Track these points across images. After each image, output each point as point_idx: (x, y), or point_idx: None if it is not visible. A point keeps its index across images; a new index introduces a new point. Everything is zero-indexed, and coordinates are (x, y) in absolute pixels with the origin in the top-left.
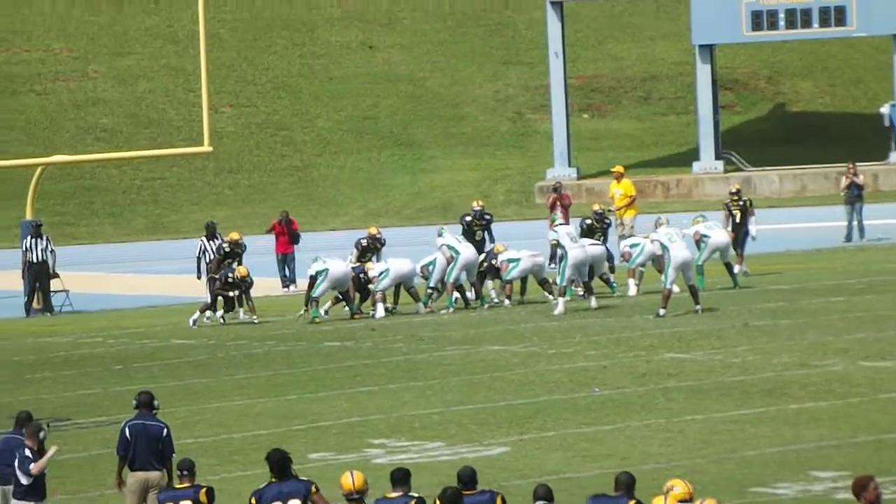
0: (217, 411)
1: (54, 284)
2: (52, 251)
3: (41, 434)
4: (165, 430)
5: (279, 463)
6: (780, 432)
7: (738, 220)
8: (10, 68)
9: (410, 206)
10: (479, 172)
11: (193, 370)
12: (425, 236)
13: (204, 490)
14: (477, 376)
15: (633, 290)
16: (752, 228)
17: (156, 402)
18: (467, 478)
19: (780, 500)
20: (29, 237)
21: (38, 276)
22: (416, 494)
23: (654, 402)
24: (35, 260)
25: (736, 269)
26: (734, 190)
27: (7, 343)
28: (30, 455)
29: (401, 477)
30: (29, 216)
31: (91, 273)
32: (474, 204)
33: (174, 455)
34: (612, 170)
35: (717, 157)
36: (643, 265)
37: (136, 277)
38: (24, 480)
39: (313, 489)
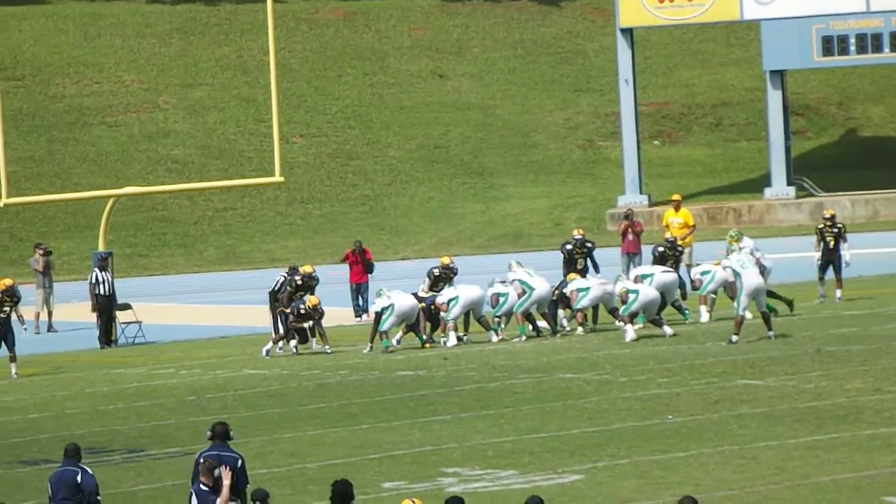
0: (290, 441)
1: (127, 316)
2: (112, 284)
3: (216, 472)
4: (240, 461)
5: (340, 496)
6: (854, 458)
7: (831, 246)
8: (81, 100)
9: (482, 234)
10: (550, 200)
11: (266, 400)
12: (497, 265)
13: None
14: (550, 404)
15: (705, 317)
16: (847, 254)
17: (231, 433)
18: None
19: None
20: (97, 269)
21: (108, 309)
22: None
23: (728, 429)
24: (103, 293)
25: (837, 294)
26: (828, 216)
27: (81, 375)
28: (206, 491)
29: None
30: (101, 248)
31: (163, 304)
32: (575, 232)
33: (248, 485)
34: (672, 198)
35: (789, 183)
36: (714, 292)
37: (207, 308)
38: None
39: None
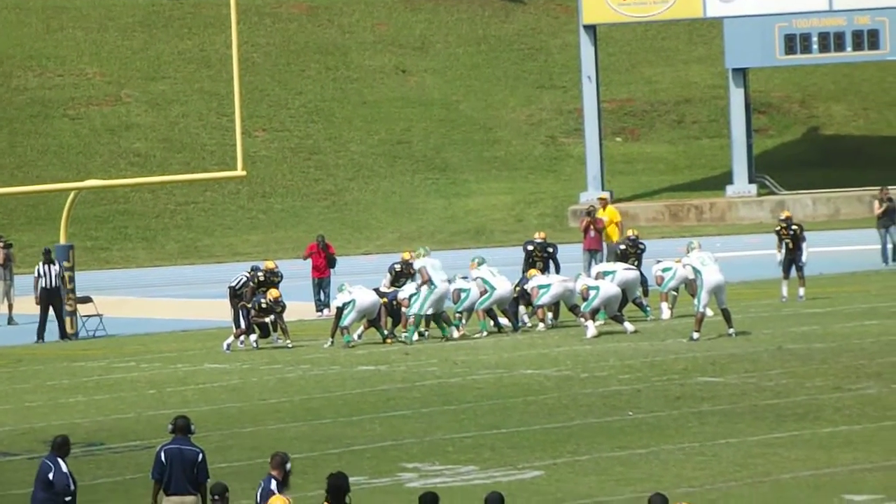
0: (251, 435)
1: (88, 309)
2: (62, 277)
3: (287, 465)
4: (201, 455)
5: (337, 489)
6: (814, 456)
7: (790, 247)
8: (43, 93)
9: (444, 230)
10: (512, 196)
11: (227, 394)
12: (459, 260)
13: None
14: (510, 400)
15: (666, 314)
16: (804, 253)
17: (192, 427)
18: (494, 502)
19: None
20: (41, 263)
21: (52, 302)
22: None
23: (688, 426)
24: (47, 286)
25: (800, 291)
26: (783, 217)
27: (41, 367)
28: (275, 488)
29: (429, 500)
30: (63, 241)
31: (124, 297)
32: (536, 236)
33: (208, 479)
34: (599, 197)
35: (751, 181)
36: (675, 289)
37: (169, 301)
38: None
39: None
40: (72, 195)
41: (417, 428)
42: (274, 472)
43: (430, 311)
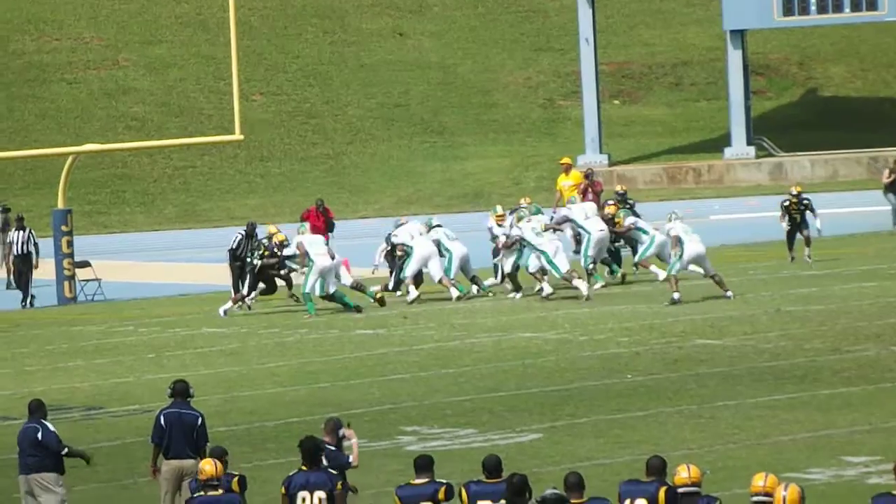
0: (249, 399)
1: (86, 273)
2: (35, 244)
3: (340, 432)
4: (200, 419)
5: (310, 452)
6: (812, 417)
7: (798, 221)
8: (40, 57)
9: (442, 193)
10: (510, 159)
11: (225, 358)
12: (458, 224)
13: (236, 479)
14: (509, 363)
15: (662, 274)
16: (818, 222)
17: (191, 391)
18: (492, 466)
19: (812, 485)
20: (13, 230)
21: (21, 269)
22: (443, 481)
23: (687, 389)
24: (18, 252)
25: (806, 252)
26: (795, 192)
27: (39, 332)
28: (334, 450)
29: (424, 463)
30: (61, 205)
31: (122, 262)
32: (522, 201)
33: (207, 443)
34: (561, 161)
35: (749, 143)
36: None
37: (167, 266)
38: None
39: (338, 486)
40: (70, 159)
41: (416, 391)
42: (327, 439)
43: (318, 290)
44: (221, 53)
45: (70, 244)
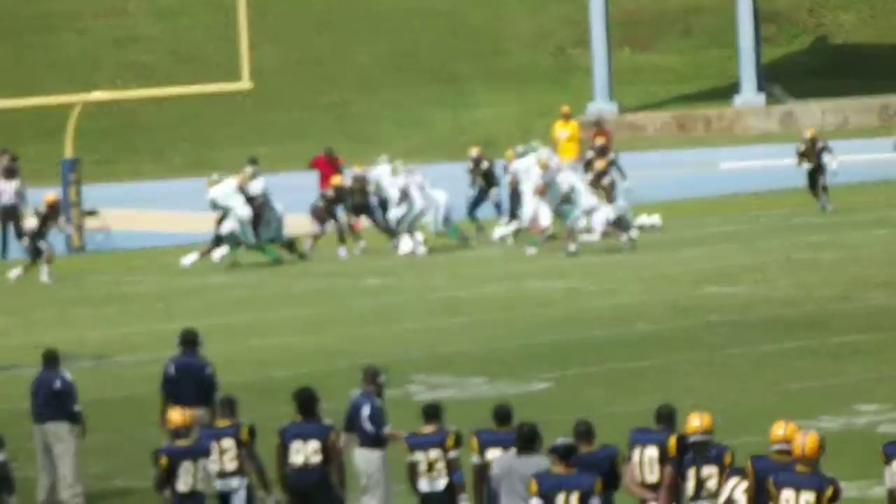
0: (258, 349)
1: (95, 222)
2: (22, 194)
3: (380, 378)
4: (209, 368)
5: (304, 402)
6: (823, 366)
7: (815, 166)
8: (48, 5)
9: (451, 141)
10: (520, 107)
11: (235, 307)
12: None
13: (246, 428)
14: (519, 312)
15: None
16: (834, 163)
17: (200, 340)
18: (503, 415)
19: (823, 433)
20: (1, 180)
21: (6, 219)
22: (452, 429)
23: (697, 337)
24: (4, 202)
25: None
26: (809, 136)
27: (48, 281)
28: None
29: (433, 411)
30: (68, 154)
31: (131, 210)
32: (473, 151)
33: (217, 392)
34: (561, 110)
35: (759, 90)
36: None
37: (176, 214)
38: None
39: (332, 435)
40: (78, 108)
41: (425, 340)
42: (369, 388)
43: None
44: (230, 1)
45: (78, 193)
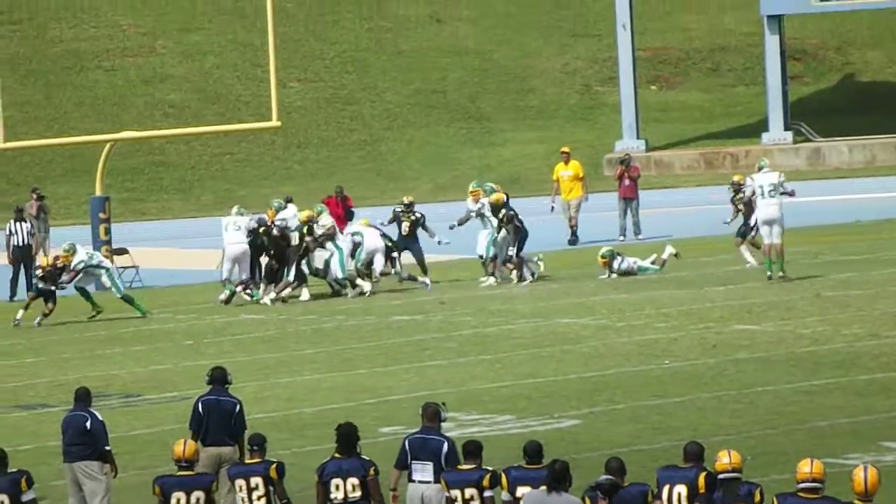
0: (287, 386)
1: (124, 260)
2: (33, 234)
3: (442, 415)
4: (238, 406)
5: (345, 438)
6: (851, 403)
7: (744, 212)
8: (78, 45)
9: (479, 179)
10: (546, 145)
11: (263, 345)
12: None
13: (274, 466)
14: (546, 349)
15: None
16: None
17: (229, 377)
18: (533, 451)
19: (850, 471)
20: (12, 221)
21: (22, 260)
22: (489, 468)
23: (725, 374)
24: (19, 244)
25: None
26: (736, 180)
27: (76, 319)
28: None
29: (473, 450)
30: (98, 192)
31: (160, 248)
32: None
33: (246, 430)
34: (561, 151)
35: (787, 128)
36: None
37: (204, 252)
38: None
39: (371, 472)
40: (107, 147)
41: (453, 378)
42: (432, 425)
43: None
44: (258, 40)
45: (108, 231)
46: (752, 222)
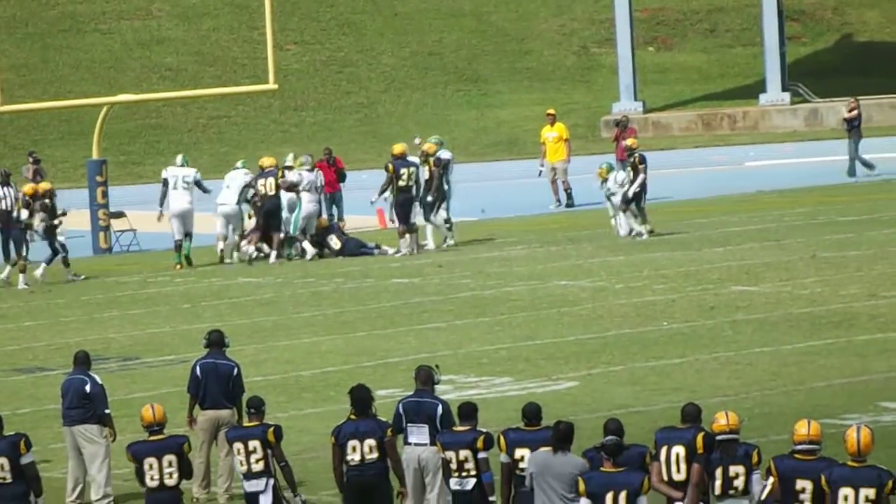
0: (286, 349)
1: (121, 224)
2: (15, 198)
3: (436, 377)
4: (236, 369)
5: (361, 401)
6: (849, 363)
7: (632, 178)
8: (74, 7)
9: (476, 141)
10: (544, 107)
11: (261, 308)
12: (491, 172)
13: (272, 429)
14: (544, 311)
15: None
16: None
17: (227, 341)
18: (532, 414)
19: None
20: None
21: (4, 224)
22: (483, 430)
23: (723, 335)
24: (5, 208)
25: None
26: (628, 145)
27: (75, 283)
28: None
29: (468, 411)
30: (95, 155)
31: (157, 212)
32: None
33: (244, 393)
34: (546, 113)
35: (784, 89)
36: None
37: (202, 216)
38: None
39: (388, 433)
40: (104, 110)
41: (452, 340)
42: (426, 388)
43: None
44: (255, 3)
45: (105, 194)
46: (636, 189)
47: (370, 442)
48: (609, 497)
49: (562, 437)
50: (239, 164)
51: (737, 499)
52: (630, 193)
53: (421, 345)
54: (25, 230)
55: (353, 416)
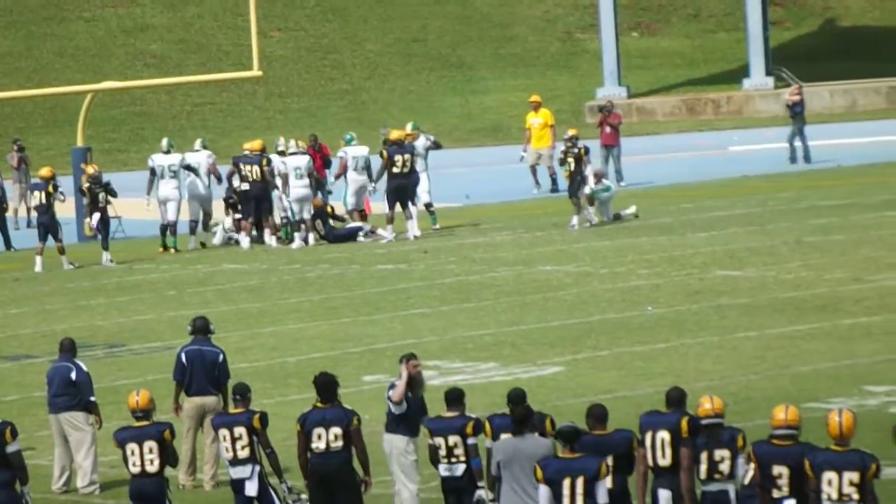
0: (271, 335)
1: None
2: (1, 186)
3: (412, 363)
4: (221, 356)
5: (325, 387)
6: (834, 348)
7: (573, 169)
8: None
9: (461, 127)
10: (528, 93)
11: (247, 294)
12: (476, 158)
13: (258, 416)
14: (530, 297)
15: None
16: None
17: (212, 327)
18: (517, 399)
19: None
20: None
21: None
22: (472, 416)
23: (708, 320)
24: None
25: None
26: (569, 136)
27: (60, 270)
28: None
29: (456, 397)
30: (80, 143)
31: (142, 199)
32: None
33: (229, 379)
34: (530, 99)
35: (768, 74)
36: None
37: (187, 203)
38: (394, 410)
39: (354, 421)
40: (88, 97)
41: (437, 326)
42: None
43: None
44: None
45: None
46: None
47: (335, 430)
48: (566, 483)
49: (519, 419)
50: (198, 144)
51: (722, 482)
52: (587, 190)
53: (406, 331)
54: (53, 217)
55: (318, 404)
